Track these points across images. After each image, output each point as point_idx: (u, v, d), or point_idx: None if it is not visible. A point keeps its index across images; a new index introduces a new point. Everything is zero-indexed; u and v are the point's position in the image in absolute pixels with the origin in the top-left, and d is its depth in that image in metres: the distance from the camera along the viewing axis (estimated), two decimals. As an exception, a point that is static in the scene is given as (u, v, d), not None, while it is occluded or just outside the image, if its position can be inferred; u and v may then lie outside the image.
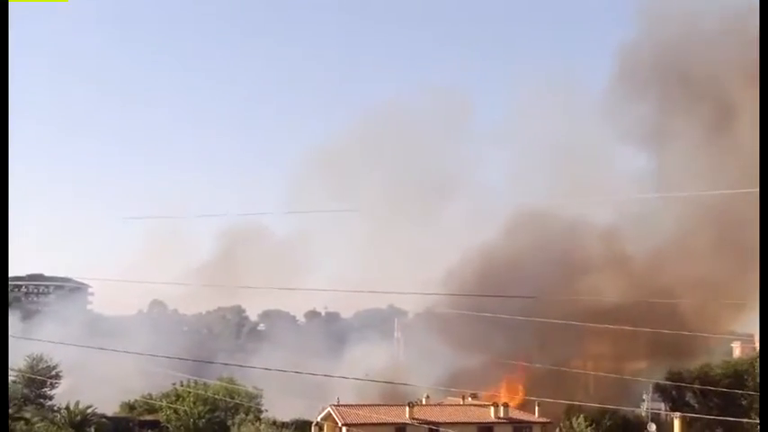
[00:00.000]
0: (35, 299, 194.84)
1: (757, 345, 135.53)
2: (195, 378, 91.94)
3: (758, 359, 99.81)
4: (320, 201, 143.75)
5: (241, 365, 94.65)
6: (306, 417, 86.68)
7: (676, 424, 75.11)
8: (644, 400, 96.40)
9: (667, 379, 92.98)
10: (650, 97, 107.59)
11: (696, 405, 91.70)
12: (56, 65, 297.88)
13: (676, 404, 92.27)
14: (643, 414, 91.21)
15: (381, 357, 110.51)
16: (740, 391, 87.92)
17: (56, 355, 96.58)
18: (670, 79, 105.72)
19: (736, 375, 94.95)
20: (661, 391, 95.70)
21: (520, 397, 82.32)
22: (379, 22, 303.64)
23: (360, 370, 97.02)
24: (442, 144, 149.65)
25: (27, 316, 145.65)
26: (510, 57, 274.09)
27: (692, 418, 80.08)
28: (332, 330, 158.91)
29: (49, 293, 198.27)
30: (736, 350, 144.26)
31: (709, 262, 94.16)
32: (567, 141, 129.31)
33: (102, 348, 71.76)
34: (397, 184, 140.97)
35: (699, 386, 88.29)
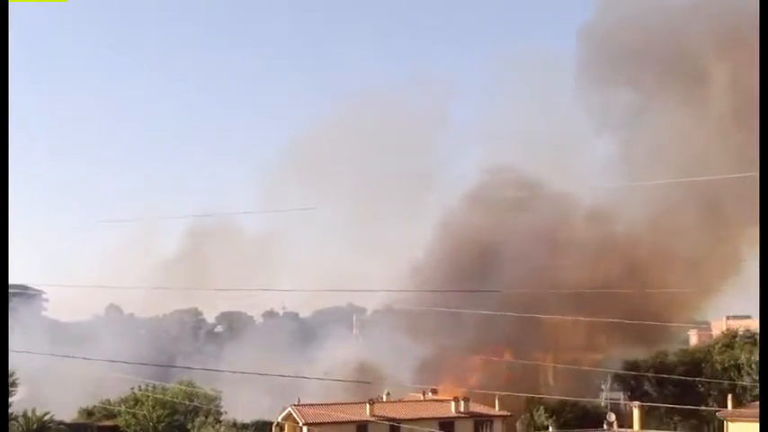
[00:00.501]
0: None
1: (714, 332, 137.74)
2: (154, 382, 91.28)
3: (714, 346, 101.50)
4: (292, 200, 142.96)
5: (204, 368, 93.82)
6: (268, 417, 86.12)
7: (635, 413, 75.89)
8: (602, 390, 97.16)
9: (624, 368, 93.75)
10: (621, 76, 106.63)
11: (654, 394, 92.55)
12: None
13: (635, 393, 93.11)
14: (602, 404, 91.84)
15: (342, 355, 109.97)
16: (698, 379, 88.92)
17: (11, 362, 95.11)
18: (639, 56, 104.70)
19: (693, 363, 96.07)
20: (620, 380, 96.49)
21: (466, 391, 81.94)
22: (355, 17, 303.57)
23: (321, 367, 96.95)
24: (417, 138, 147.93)
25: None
26: (487, 47, 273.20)
27: (650, 406, 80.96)
28: (291, 330, 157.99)
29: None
30: (693, 338, 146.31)
31: (686, 240, 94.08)
32: (544, 130, 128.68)
33: (60, 356, 71.06)
34: (369, 179, 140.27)
35: (665, 375, 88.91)
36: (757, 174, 33.39)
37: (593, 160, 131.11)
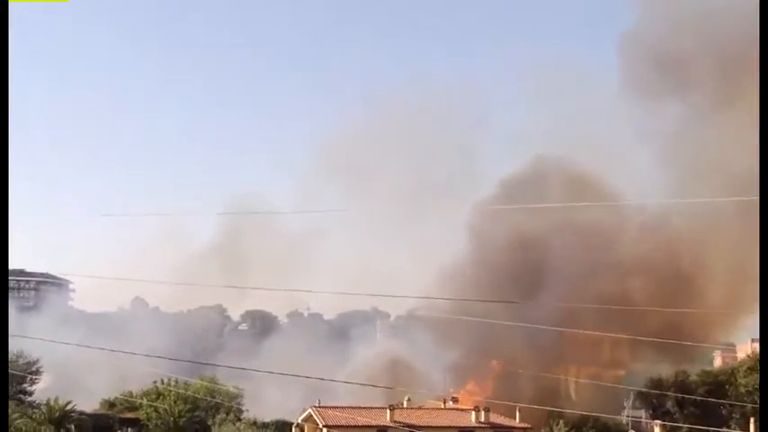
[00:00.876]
0: (17, 294, 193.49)
1: (739, 355, 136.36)
2: (177, 377, 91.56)
3: (739, 369, 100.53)
4: (326, 200, 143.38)
5: (230, 366, 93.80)
6: (288, 418, 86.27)
7: (656, 432, 75.49)
8: (624, 407, 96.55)
9: (649, 386, 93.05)
10: (665, 83, 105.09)
11: (676, 414, 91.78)
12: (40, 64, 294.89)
13: (656, 412, 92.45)
14: (624, 422, 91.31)
15: (365, 357, 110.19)
16: (721, 401, 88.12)
17: (37, 350, 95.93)
18: (678, 62, 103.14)
19: (716, 384, 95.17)
20: (643, 397, 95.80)
21: (478, 398, 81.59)
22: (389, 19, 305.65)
23: (347, 369, 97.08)
24: (454, 141, 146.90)
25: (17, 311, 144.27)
26: (519, 51, 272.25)
27: (672, 426, 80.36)
28: (318, 330, 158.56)
29: (31, 289, 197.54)
30: (717, 359, 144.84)
31: (727, 256, 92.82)
32: (580, 135, 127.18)
33: (85, 346, 71.42)
34: (403, 182, 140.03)
35: (688, 396, 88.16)
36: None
37: (635, 167, 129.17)
